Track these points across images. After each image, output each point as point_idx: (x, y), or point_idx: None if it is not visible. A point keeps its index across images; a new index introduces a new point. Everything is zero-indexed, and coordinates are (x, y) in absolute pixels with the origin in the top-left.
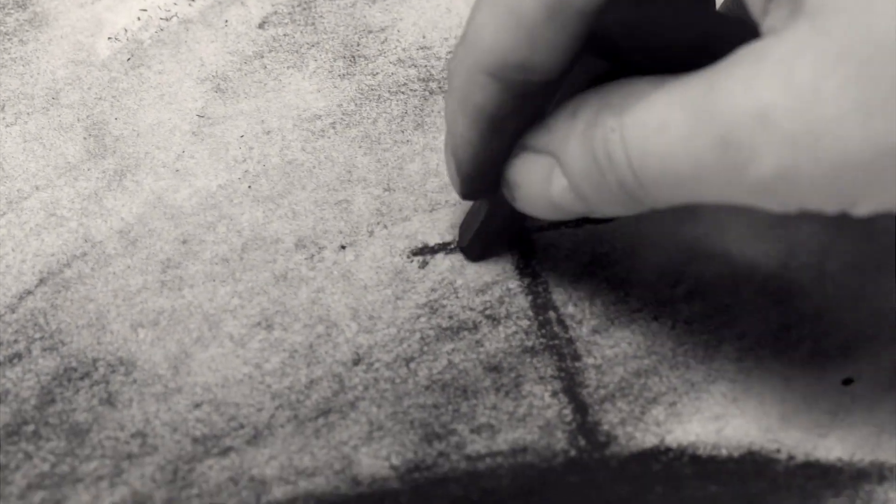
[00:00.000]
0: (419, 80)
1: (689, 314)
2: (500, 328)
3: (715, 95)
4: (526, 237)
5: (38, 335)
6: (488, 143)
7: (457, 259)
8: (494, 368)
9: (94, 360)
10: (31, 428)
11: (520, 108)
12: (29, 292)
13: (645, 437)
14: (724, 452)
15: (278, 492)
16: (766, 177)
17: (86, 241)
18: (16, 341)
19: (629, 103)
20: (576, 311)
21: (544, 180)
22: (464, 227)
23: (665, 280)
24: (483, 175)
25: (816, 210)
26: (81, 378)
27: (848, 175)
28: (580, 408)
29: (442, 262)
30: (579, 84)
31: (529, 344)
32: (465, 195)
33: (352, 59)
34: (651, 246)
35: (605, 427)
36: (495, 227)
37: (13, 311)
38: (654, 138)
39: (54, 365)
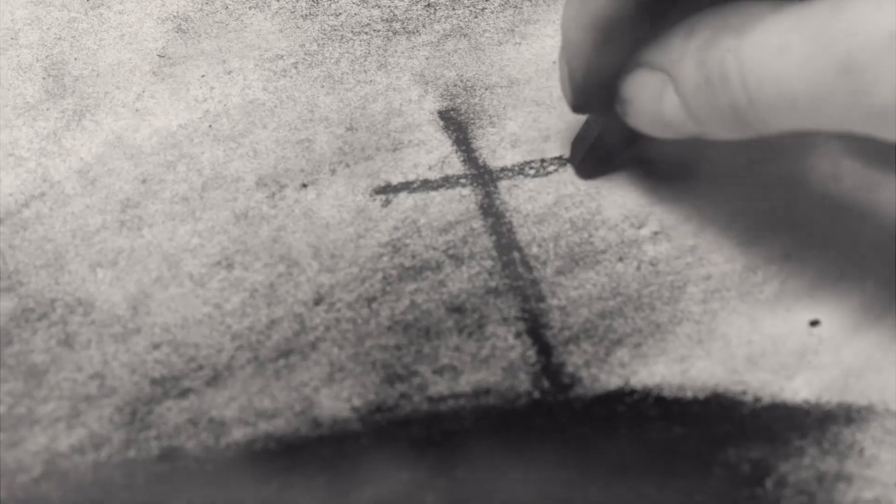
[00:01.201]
0: (382, 20)
1: (654, 255)
2: (464, 268)
3: (840, 18)
4: (638, 157)
5: None
6: (603, 52)
7: (420, 198)
8: (457, 309)
9: (52, 301)
10: None
11: (637, 18)
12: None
13: (609, 379)
14: (689, 394)
15: (238, 433)
16: (887, 104)
17: (44, 180)
18: None
19: (748, 25)
20: (540, 251)
21: (657, 97)
22: (576, 144)
23: (630, 221)
24: (595, 87)
25: None
26: (39, 319)
27: None
28: (544, 349)
29: (405, 201)
30: (697, 4)
31: (493, 284)
32: (575, 107)
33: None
34: (616, 187)
35: (570, 369)
36: (608, 144)
37: None
38: (772, 61)
39: (12, 306)
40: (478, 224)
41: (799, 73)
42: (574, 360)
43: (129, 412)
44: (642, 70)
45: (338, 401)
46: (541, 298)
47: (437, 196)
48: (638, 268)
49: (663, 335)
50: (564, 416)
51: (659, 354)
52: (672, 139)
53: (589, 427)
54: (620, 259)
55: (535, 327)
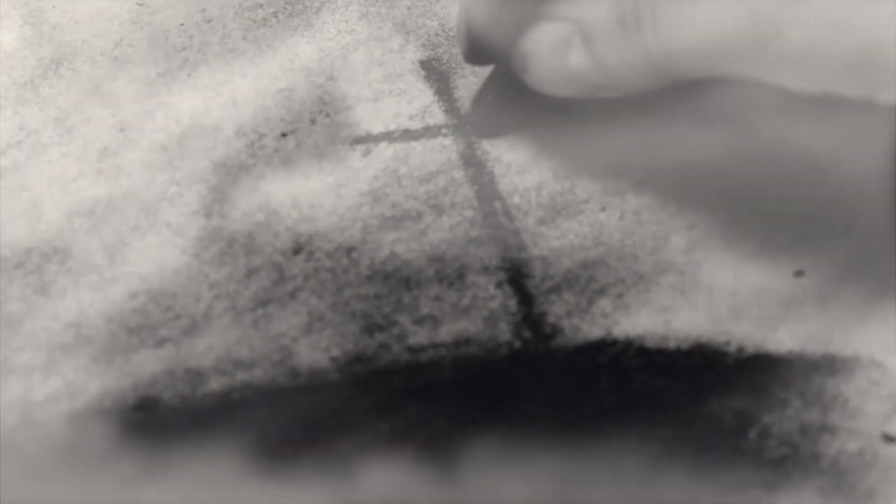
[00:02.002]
0: None
1: (637, 205)
2: (445, 218)
3: None
4: (539, 116)
5: None
6: (503, 2)
7: (400, 148)
8: (438, 259)
9: (28, 250)
10: None
11: None
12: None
13: (591, 329)
14: (672, 345)
15: (215, 383)
16: (793, 52)
17: (21, 129)
18: None
19: None
20: (522, 201)
21: (562, 50)
22: (476, 100)
23: (613, 171)
24: (493, 39)
25: (841, 94)
26: (15, 268)
27: (876, 59)
28: (525, 299)
29: (385, 151)
30: None
31: (474, 234)
32: (467, 57)
33: None
34: (598, 136)
35: (551, 319)
36: (506, 100)
37: None
38: (686, 8)
39: None
40: (459, 174)
41: (712, 20)
42: (556, 309)
43: (105, 361)
44: (546, 22)
45: (316, 350)
46: (522, 248)
47: (417, 146)
48: (621, 217)
49: (646, 285)
50: (546, 367)
51: (642, 305)
52: (570, 97)
53: (570, 377)
54: (603, 209)
55: (516, 277)
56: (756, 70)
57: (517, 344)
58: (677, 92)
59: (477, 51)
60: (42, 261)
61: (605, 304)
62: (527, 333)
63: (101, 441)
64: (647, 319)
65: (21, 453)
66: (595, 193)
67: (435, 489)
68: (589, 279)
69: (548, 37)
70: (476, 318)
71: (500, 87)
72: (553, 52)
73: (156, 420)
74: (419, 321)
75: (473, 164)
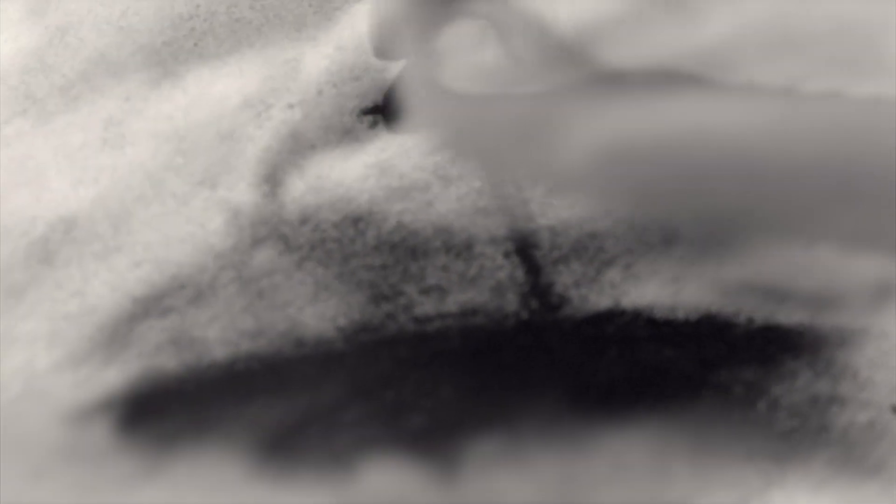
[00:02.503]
0: None
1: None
2: (452, 189)
3: None
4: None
5: None
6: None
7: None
8: (445, 229)
9: (33, 219)
10: None
11: None
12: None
13: (599, 299)
14: (680, 315)
15: (220, 353)
16: (712, 41)
17: (27, 98)
18: None
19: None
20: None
21: (476, 45)
22: (387, 93)
23: (622, 142)
24: (404, 35)
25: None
26: (20, 236)
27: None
28: (533, 269)
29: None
30: None
31: (482, 205)
32: (378, 51)
33: None
34: (605, 107)
35: (559, 289)
36: (416, 94)
37: None
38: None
39: None
40: None
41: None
42: (563, 280)
43: (109, 331)
44: (462, 19)
45: (322, 320)
46: (530, 218)
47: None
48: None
49: (655, 256)
50: (553, 337)
51: (651, 275)
52: (481, 90)
53: (578, 348)
54: None
55: (524, 247)
56: (673, 60)
57: (524, 314)
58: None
59: (389, 47)
60: (47, 230)
61: (613, 274)
62: (534, 304)
63: (104, 410)
64: (656, 289)
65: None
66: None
67: (436, 472)
68: (598, 249)
69: (463, 33)
70: (483, 288)
71: (411, 83)
72: (468, 48)
73: (160, 389)
74: (426, 291)
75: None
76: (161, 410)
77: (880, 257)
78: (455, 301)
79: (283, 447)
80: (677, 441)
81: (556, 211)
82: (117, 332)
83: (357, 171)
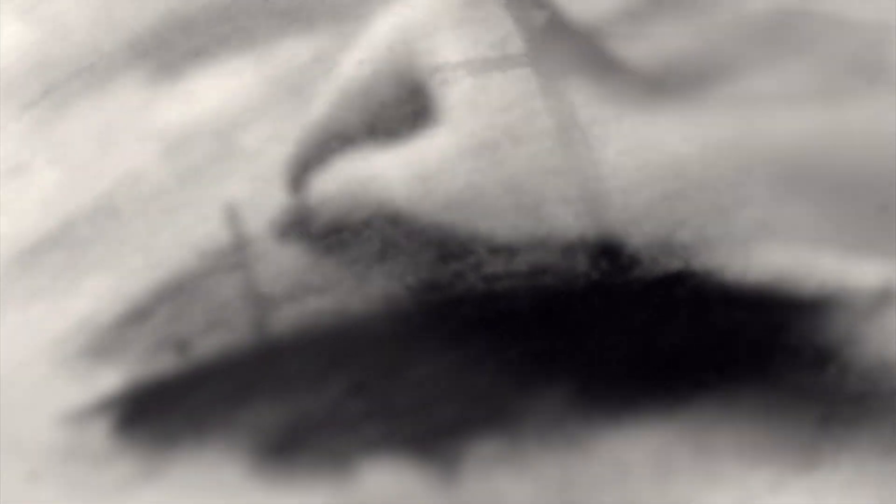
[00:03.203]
0: None
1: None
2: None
3: None
4: None
5: (41, 146)
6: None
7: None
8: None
9: (99, 172)
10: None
11: None
12: (34, 103)
13: (670, 261)
14: (751, 278)
15: (287, 310)
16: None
17: (94, 51)
18: (18, 153)
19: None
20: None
21: None
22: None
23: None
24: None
25: None
26: (85, 191)
27: None
28: (604, 230)
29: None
30: None
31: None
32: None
33: None
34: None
35: (629, 250)
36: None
37: (18, 122)
38: None
39: (55, 177)
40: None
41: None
42: (635, 241)
43: (175, 286)
44: None
45: (390, 278)
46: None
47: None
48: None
49: (727, 218)
50: (623, 299)
51: (722, 237)
52: None
53: (648, 310)
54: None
55: (595, 208)
56: None
57: (595, 275)
58: None
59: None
60: (113, 184)
61: (684, 235)
62: (604, 265)
63: (170, 366)
64: (728, 252)
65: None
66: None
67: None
68: (670, 210)
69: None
70: (553, 248)
71: None
72: None
73: (227, 345)
74: (495, 250)
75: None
76: (159, 412)
77: None
78: (524, 260)
79: (282, 449)
80: (745, 404)
81: (627, 172)
82: (184, 288)
83: (427, 129)
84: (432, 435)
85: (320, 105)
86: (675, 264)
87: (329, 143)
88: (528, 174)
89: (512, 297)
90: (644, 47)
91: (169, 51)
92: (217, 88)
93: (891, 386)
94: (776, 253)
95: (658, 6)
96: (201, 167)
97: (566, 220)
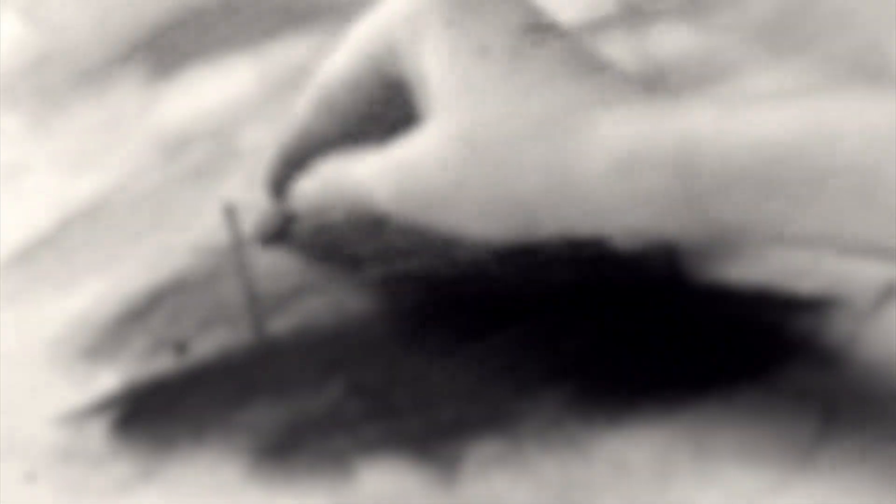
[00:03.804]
0: None
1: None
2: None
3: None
4: None
5: (37, 146)
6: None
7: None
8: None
9: (97, 172)
10: None
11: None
12: (30, 102)
13: (661, 260)
14: (751, 277)
15: (286, 310)
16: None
17: (91, 51)
18: (14, 152)
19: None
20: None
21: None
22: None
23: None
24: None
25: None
26: (82, 191)
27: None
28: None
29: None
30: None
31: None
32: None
33: None
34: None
35: (616, 249)
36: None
37: (15, 121)
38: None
39: (51, 176)
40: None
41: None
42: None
43: (173, 287)
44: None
45: (389, 279)
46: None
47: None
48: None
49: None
50: (623, 299)
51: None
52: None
53: (648, 310)
54: None
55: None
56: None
57: (582, 274)
58: None
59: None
60: (111, 185)
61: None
62: (591, 264)
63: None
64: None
65: None
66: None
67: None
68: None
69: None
70: (542, 247)
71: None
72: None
73: (157, 391)
74: (490, 250)
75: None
76: (157, 413)
77: None
78: (519, 262)
79: (281, 449)
80: (680, 442)
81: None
82: (113, 334)
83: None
84: (432, 435)
85: (300, 107)
86: (663, 264)
87: (309, 146)
88: (514, 173)
89: (511, 298)
90: (644, 47)
91: (167, 50)
92: (215, 88)
93: (892, 387)
94: (776, 252)
95: (659, 5)
96: (199, 167)
97: (552, 218)
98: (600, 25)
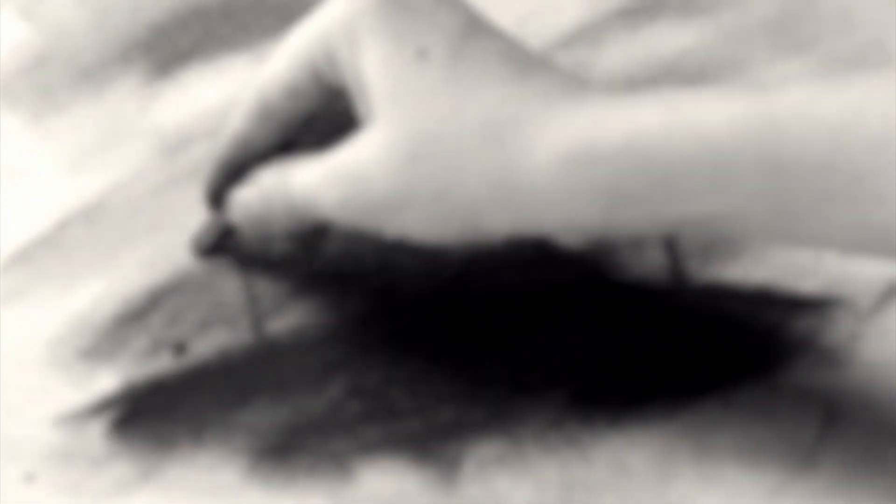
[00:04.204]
0: None
1: None
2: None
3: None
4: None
5: (37, 146)
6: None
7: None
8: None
9: (95, 172)
10: None
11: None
12: (29, 102)
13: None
14: (752, 277)
15: (285, 310)
16: (333, 209)
17: (90, 51)
18: (13, 152)
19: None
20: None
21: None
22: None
23: None
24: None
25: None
26: (80, 191)
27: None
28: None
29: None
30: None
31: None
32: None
33: None
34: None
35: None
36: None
37: (13, 121)
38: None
39: (50, 176)
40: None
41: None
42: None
43: (172, 287)
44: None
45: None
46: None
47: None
48: None
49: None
50: (623, 300)
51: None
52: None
53: (648, 310)
54: None
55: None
56: (343, 220)
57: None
58: None
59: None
60: (109, 185)
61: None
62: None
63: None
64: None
65: None
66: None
67: None
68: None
69: (240, 191)
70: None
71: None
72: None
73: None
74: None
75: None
76: (156, 413)
77: None
78: (514, 263)
79: (280, 450)
80: (680, 443)
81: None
82: (112, 334)
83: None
84: (431, 436)
85: (237, 115)
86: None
87: (247, 155)
88: (459, 176)
89: (509, 299)
90: (645, 47)
91: (166, 50)
92: (215, 88)
93: (894, 387)
94: (777, 252)
95: (660, 5)
96: (199, 166)
97: (498, 219)
98: (600, 25)
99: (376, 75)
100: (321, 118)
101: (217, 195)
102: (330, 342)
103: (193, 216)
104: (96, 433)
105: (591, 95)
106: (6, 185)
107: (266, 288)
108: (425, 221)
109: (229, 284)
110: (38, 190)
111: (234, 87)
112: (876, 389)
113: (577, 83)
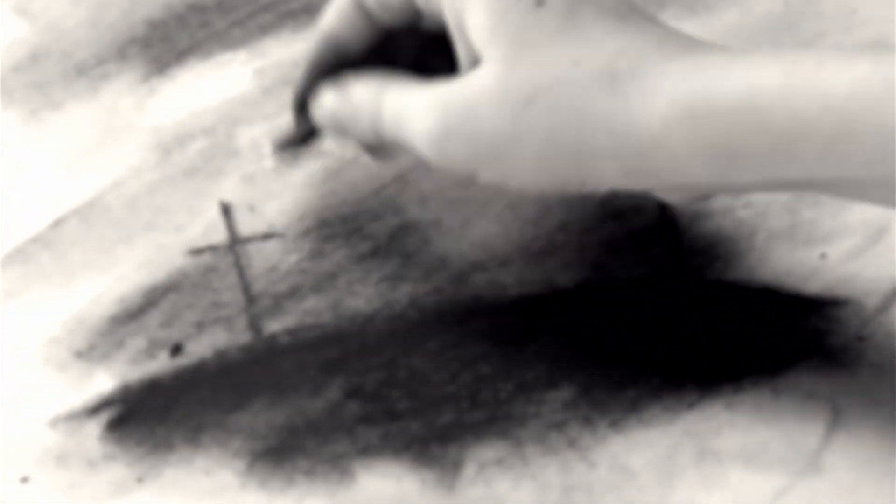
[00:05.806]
0: None
1: None
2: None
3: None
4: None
5: (33, 144)
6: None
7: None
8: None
9: (92, 171)
10: None
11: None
12: (26, 100)
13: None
14: (757, 278)
15: (283, 310)
16: (428, 138)
17: (87, 49)
18: (9, 150)
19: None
20: None
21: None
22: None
23: None
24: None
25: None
26: (77, 189)
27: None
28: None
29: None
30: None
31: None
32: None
33: None
34: None
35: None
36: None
37: (10, 119)
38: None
39: (46, 175)
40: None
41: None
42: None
43: (169, 287)
44: (328, 87)
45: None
46: None
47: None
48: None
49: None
50: (624, 301)
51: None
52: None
53: (651, 311)
54: None
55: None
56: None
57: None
58: None
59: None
60: (106, 183)
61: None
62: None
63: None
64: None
65: None
66: None
67: None
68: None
69: (326, 94)
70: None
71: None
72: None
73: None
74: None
75: None
76: (153, 414)
77: None
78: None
79: (278, 452)
80: (683, 445)
81: None
82: (108, 335)
83: None
84: (431, 438)
85: (328, 12)
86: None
87: (338, 57)
88: (574, 125)
89: (509, 300)
90: None
91: (163, 47)
92: (211, 85)
93: None
94: (782, 252)
95: (663, 2)
96: (195, 165)
97: (612, 171)
98: None
99: (490, 19)
100: (413, 34)
101: (305, 96)
102: (328, 343)
103: (191, 215)
104: (92, 434)
105: (709, 50)
106: (1, 184)
107: (264, 288)
108: (532, 167)
109: (227, 284)
110: (33, 188)
111: (231, 85)
112: (882, 391)
113: (690, 38)
